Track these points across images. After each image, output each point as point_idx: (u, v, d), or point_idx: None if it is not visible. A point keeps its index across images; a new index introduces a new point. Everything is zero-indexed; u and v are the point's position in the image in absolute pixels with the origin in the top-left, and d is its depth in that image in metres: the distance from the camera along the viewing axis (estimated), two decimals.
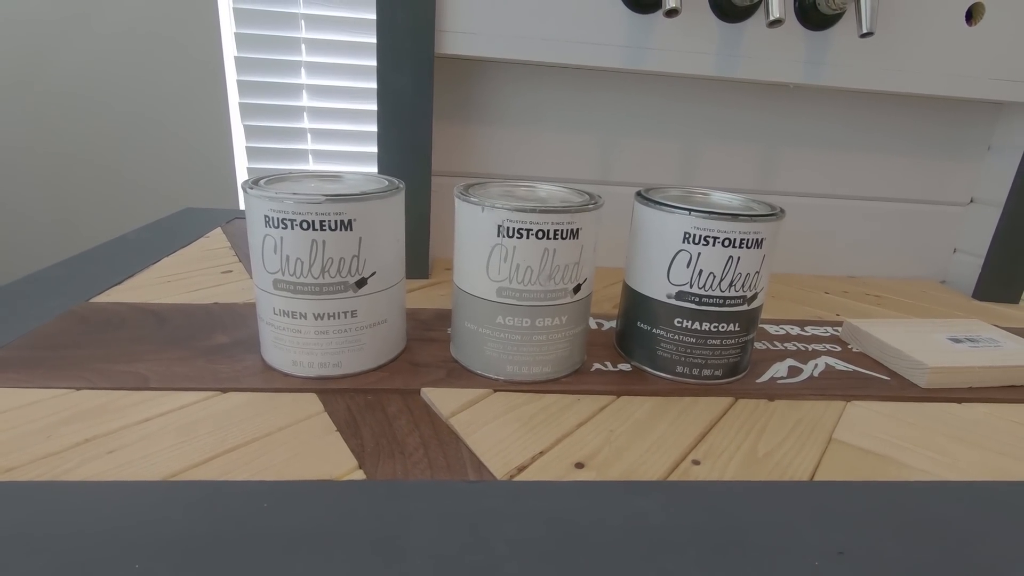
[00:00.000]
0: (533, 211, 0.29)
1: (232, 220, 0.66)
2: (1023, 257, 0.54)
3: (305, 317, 0.30)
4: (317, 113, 1.06)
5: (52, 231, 1.06)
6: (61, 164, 1.02)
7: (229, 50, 1.00)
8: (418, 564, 0.20)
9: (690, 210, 0.31)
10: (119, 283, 0.44)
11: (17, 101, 0.98)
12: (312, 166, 1.09)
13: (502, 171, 0.53)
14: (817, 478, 0.26)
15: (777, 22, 0.39)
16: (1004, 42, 0.48)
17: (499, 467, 0.25)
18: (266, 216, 0.29)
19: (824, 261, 0.60)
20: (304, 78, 1.03)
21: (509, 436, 0.28)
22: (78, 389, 0.29)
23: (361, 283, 0.31)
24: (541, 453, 0.27)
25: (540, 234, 0.30)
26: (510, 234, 0.30)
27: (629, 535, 0.22)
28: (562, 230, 0.30)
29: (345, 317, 0.31)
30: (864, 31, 0.40)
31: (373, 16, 0.98)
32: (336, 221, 0.29)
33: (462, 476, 0.25)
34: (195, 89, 1.01)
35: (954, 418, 0.33)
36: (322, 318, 0.30)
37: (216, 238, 0.58)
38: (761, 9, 0.44)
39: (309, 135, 1.07)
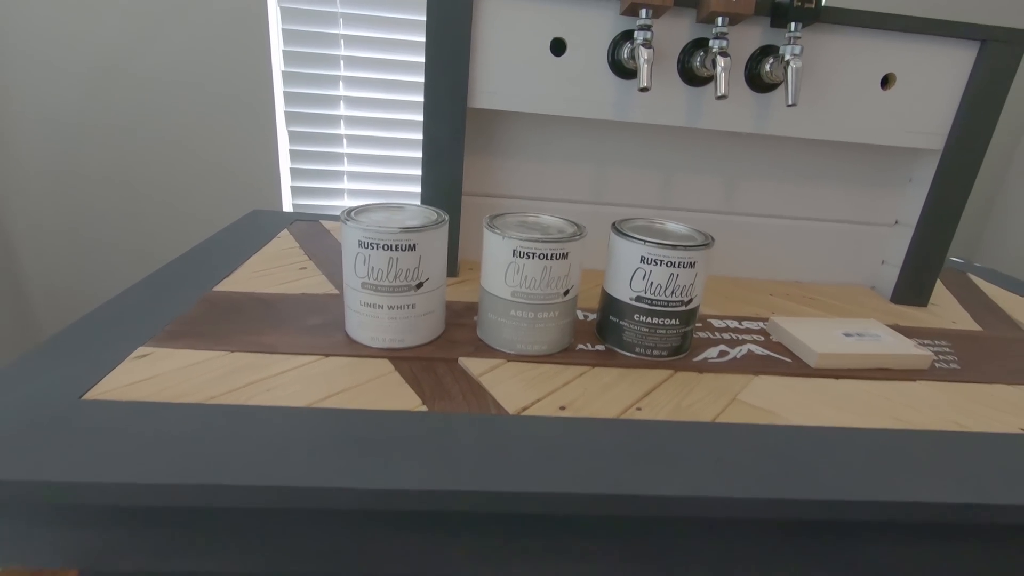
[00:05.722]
0: (537, 241, 0.43)
1: (294, 223, 0.80)
2: (930, 269, 0.68)
3: (382, 308, 0.45)
4: (353, 122, 1.20)
5: (125, 226, 1.22)
6: (130, 167, 1.17)
7: (277, 64, 1.14)
8: (462, 463, 0.34)
9: (644, 240, 0.45)
10: (226, 276, 0.59)
11: (95, 108, 1.13)
12: (346, 167, 1.23)
13: (517, 193, 0.67)
14: (717, 421, 0.41)
15: (723, 97, 0.52)
16: (913, 103, 0.61)
17: (511, 407, 0.40)
18: (359, 240, 0.43)
19: (776, 269, 0.73)
20: (342, 90, 1.17)
21: (518, 389, 0.42)
22: (231, 352, 0.44)
23: (419, 286, 0.45)
24: (538, 400, 0.41)
25: (541, 256, 0.44)
26: (521, 255, 0.44)
27: (592, 452, 0.36)
28: (556, 253, 0.44)
29: (408, 308, 0.45)
30: (789, 103, 0.53)
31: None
32: (406, 244, 0.43)
33: (488, 411, 0.39)
34: (247, 104, 1.15)
35: (830, 389, 0.47)
36: (393, 308, 0.45)
37: (285, 239, 0.73)
38: (713, 83, 0.57)
39: (344, 140, 1.21)
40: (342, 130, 1.20)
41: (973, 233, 1.41)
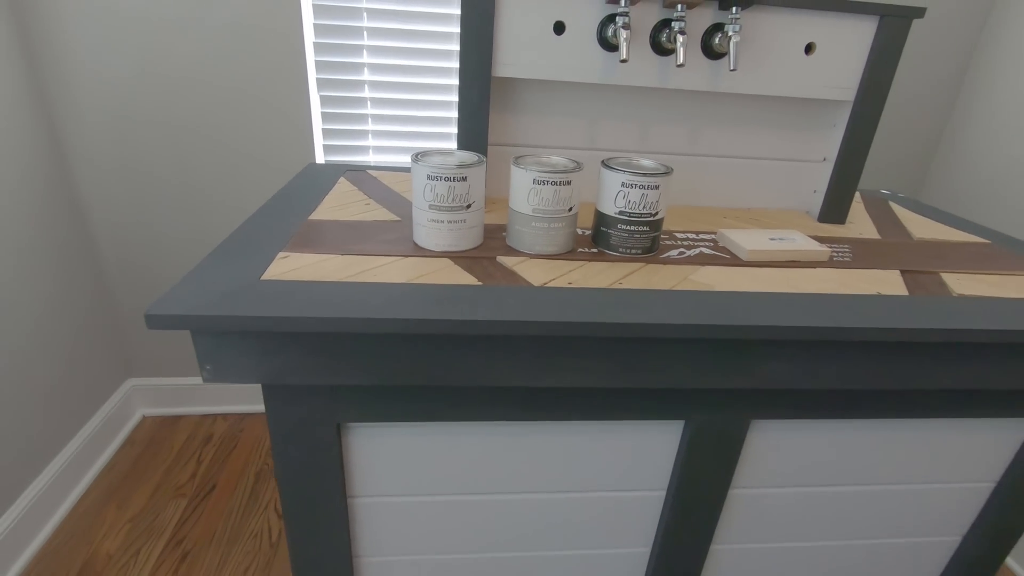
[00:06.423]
0: (550, 172, 0.63)
1: (346, 172, 0.99)
2: (847, 194, 0.88)
3: (443, 222, 0.65)
4: (375, 86, 1.36)
5: (182, 179, 1.39)
6: (184, 130, 1.34)
7: (309, 36, 1.30)
8: (508, 307, 0.55)
9: (624, 171, 0.65)
10: (313, 210, 0.78)
11: (147, 85, 1.29)
12: (371, 126, 1.41)
13: (528, 142, 0.86)
14: (672, 289, 0.62)
15: (681, 66, 0.71)
16: (830, 65, 0.80)
17: (536, 282, 0.60)
18: (427, 174, 0.63)
19: (730, 198, 0.93)
20: (366, 58, 1.33)
21: (539, 273, 0.63)
22: (340, 255, 0.64)
23: (468, 206, 0.65)
24: (553, 279, 0.62)
25: (553, 183, 0.63)
26: (538, 183, 0.64)
27: (591, 303, 0.57)
28: (563, 180, 0.64)
29: (461, 223, 0.65)
30: (731, 68, 0.72)
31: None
32: (459, 176, 0.63)
33: (521, 284, 0.60)
34: (283, 73, 1.31)
35: (753, 273, 0.68)
36: (451, 223, 0.65)
37: (345, 184, 0.92)
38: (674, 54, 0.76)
39: (369, 102, 1.38)
40: (367, 93, 1.37)
41: (919, 172, 1.61)
